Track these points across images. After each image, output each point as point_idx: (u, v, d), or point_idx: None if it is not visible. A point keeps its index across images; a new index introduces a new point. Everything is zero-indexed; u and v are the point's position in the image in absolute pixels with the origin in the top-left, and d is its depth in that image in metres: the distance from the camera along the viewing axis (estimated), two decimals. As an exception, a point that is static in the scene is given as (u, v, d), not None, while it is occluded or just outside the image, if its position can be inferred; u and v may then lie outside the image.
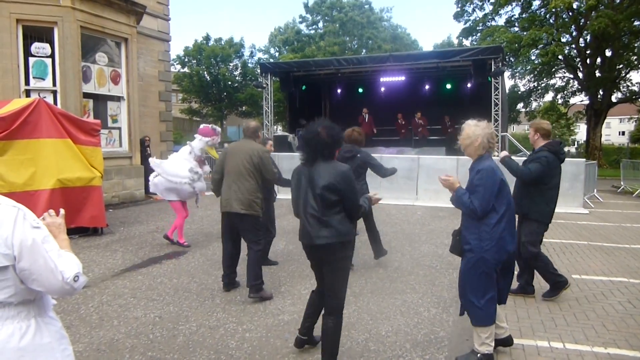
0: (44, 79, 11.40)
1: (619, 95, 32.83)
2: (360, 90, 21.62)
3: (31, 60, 11.25)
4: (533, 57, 30.25)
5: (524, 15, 31.43)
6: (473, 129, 3.78)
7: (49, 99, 10.77)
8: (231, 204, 5.39)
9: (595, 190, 15.38)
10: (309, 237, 3.63)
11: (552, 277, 5.39)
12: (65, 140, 8.32)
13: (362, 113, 19.28)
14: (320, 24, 45.58)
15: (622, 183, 18.21)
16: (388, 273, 6.53)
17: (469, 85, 18.61)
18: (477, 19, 34.14)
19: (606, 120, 34.69)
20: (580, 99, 34.65)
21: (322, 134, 3.56)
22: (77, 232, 8.55)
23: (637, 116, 45.96)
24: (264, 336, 4.43)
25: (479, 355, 3.79)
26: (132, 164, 13.35)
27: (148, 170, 14.01)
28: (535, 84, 35.14)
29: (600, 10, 25.09)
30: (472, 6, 34.16)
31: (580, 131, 46.16)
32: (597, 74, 29.92)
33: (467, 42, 35.15)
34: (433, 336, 4.46)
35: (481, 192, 3.61)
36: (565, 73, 33.98)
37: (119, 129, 13.25)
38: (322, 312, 3.77)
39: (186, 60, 42.45)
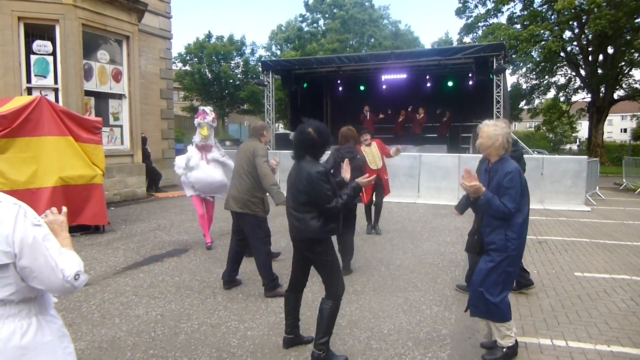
0: (45, 77, 11.39)
1: (621, 92, 32.77)
2: (362, 88, 21.57)
3: (33, 58, 11.24)
4: (534, 54, 30.20)
5: (525, 13, 31.36)
6: (492, 129, 3.78)
7: (51, 97, 10.78)
8: (229, 203, 5.51)
9: (597, 188, 15.35)
10: (291, 232, 3.88)
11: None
12: (67, 138, 8.32)
13: (363, 111, 19.27)
14: (321, 22, 45.48)
15: (624, 180, 18.18)
16: (390, 271, 6.52)
17: (470, 82, 18.56)
18: (479, 15, 34.06)
19: (608, 118, 34.62)
20: (582, 97, 34.59)
21: (312, 134, 3.77)
22: (78, 230, 8.55)
23: (639, 113, 45.91)
24: (265, 334, 4.42)
25: (504, 349, 3.85)
26: (133, 162, 13.34)
27: (149, 168, 14.11)
28: (537, 81, 35.09)
29: (602, 8, 24.99)
30: (474, 2, 34.09)
31: (582, 128, 46.06)
32: (599, 71, 29.85)
33: (467, 39, 35.10)
34: (435, 334, 4.45)
35: (513, 194, 3.61)
36: (567, 70, 33.91)
37: (121, 126, 13.24)
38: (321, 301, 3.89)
39: (187, 58, 42.45)
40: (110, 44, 12.97)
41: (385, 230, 9.24)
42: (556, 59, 30.97)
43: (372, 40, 43.37)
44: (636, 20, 26.49)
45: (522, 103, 36.73)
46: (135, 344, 4.22)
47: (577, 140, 54.09)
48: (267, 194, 5.55)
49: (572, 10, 27.19)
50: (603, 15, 24.17)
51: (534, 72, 33.76)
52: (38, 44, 11.27)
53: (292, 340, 4.12)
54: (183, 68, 42.61)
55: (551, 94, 36.32)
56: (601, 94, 30.35)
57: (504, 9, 32.20)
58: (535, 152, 20.05)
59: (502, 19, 33.02)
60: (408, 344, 4.25)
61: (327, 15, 45.16)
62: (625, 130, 66.14)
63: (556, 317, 4.86)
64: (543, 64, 31.34)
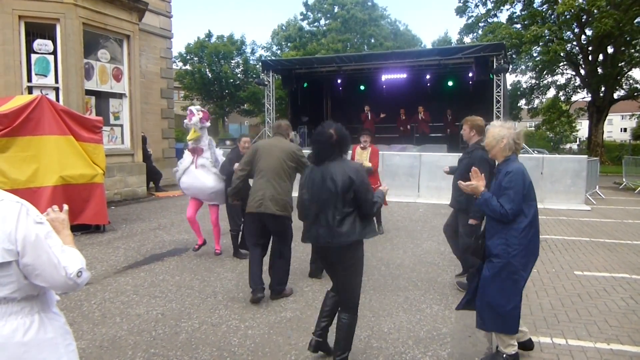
0: (46, 76, 11.40)
1: (621, 92, 32.76)
2: (362, 87, 21.59)
3: (33, 57, 11.25)
4: (535, 55, 30.21)
5: (525, 12, 31.35)
6: (498, 129, 3.70)
7: (51, 96, 10.79)
8: (266, 205, 5.08)
9: (597, 187, 15.35)
10: (323, 238, 3.62)
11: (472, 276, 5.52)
12: (68, 137, 8.33)
13: (364, 110, 19.29)
14: (322, 21, 45.47)
15: (624, 179, 18.18)
16: (390, 270, 6.53)
17: (470, 82, 18.57)
18: (479, 15, 34.07)
19: (608, 117, 34.62)
20: (582, 96, 34.60)
21: (334, 136, 3.62)
22: (79, 229, 8.56)
23: (639, 113, 45.87)
24: (266, 333, 4.43)
25: (504, 356, 3.71)
26: (134, 161, 13.35)
27: (149, 168, 14.11)
28: (537, 80, 35.09)
29: (603, 9, 24.98)
30: (474, 1, 34.09)
31: (582, 128, 46.07)
32: (599, 71, 29.85)
33: (467, 39, 35.10)
34: (435, 333, 4.46)
35: (511, 195, 3.49)
36: (567, 70, 33.91)
37: (121, 126, 13.25)
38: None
39: (188, 57, 42.46)
40: (111, 43, 12.97)
41: (385, 230, 9.24)
42: (556, 59, 30.96)
43: (373, 39, 43.35)
44: (636, 21, 26.48)
45: (522, 102, 36.73)
46: (136, 343, 4.23)
47: (577, 139, 54.10)
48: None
49: (572, 11, 27.19)
50: (609, 15, 24.13)
51: (534, 72, 33.73)
52: (39, 43, 11.27)
53: (320, 344, 3.83)
54: (183, 67, 42.62)
55: (551, 93, 36.33)
56: (601, 94, 30.35)
57: (504, 8, 32.19)
58: (535, 152, 20.03)
59: (502, 18, 33.06)
60: (408, 342, 4.26)
61: (328, 15, 45.15)
62: (625, 130, 66.17)
63: (556, 315, 4.87)
64: (542, 65, 31.31)
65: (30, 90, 11.17)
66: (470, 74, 17.56)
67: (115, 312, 4.93)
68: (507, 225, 3.53)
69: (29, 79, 11.24)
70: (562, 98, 35.52)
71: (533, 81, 35.32)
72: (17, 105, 7.83)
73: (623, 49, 28.86)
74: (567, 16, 27.95)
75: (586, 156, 14.15)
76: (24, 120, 7.79)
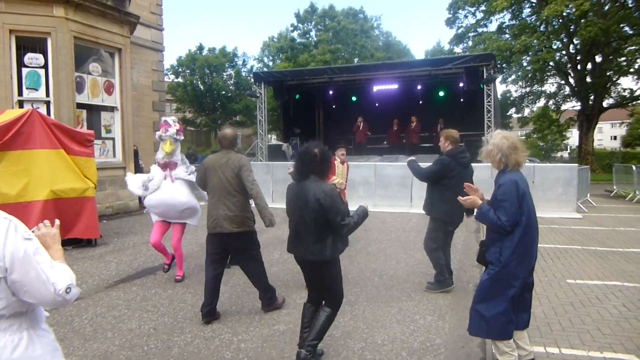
0: (37, 90, 11.37)
1: (610, 100, 33.13)
2: (354, 98, 21.70)
3: (24, 70, 11.22)
4: (525, 64, 30.53)
5: (514, 22, 31.72)
6: (494, 139, 3.72)
7: (42, 110, 10.76)
8: (222, 225, 4.95)
9: (588, 195, 15.45)
10: (299, 252, 3.93)
11: (439, 275, 6.00)
12: (59, 151, 8.29)
13: (356, 121, 19.37)
14: (313, 33, 45.73)
15: (614, 187, 18.32)
16: (383, 281, 6.52)
17: (461, 92, 18.69)
18: (469, 25, 34.42)
19: (598, 125, 34.95)
20: (572, 105, 34.96)
21: (318, 156, 3.81)
22: (70, 243, 8.50)
23: (628, 121, 46.38)
24: (259, 346, 4.40)
25: None
26: (126, 175, 13.28)
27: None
28: (527, 90, 35.42)
29: (589, 18, 25.34)
30: (464, 12, 34.46)
31: (573, 136, 46.46)
32: (588, 80, 30.18)
33: (458, 49, 35.44)
34: (429, 344, 4.45)
35: (507, 206, 3.49)
36: (556, 79, 34.27)
37: (113, 139, 13.21)
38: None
39: (180, 70, 42.53)
40: (102, 57, 12.97)
41: (378, 240, 9.24)
42: (546, 68, 31.30)
43: (364, 50, 43.61)
44: (624, 29, 26.86)
45: (512, 111, 37.03)
46: (128, 358, 4.19)
47: (568, 148, 54.56)
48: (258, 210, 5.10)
49: (560, 20, 27.54)
50: (594, 23, 24.48)
51: (524, 81, 34.06)
52: (30, 57, 11.25)
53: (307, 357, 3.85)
54: (175, 80, 42.66)
55: (541, 102, 36.67)
56: (590, 102, 30.66)
57: (494, 18, 32.56)
58: (527, 161, 20.18)
59: (492, 28, 33.40)
60: (402, 354, 4.24)
61: (319, 27, 45.41)
62: (615, 138, 66.81)
63: (549, 324, 4.88)
64: (531, 74, 31.65)
65: (21, 104, 11.12)
66: (461, 84, 17.69)
67: (107, 327, 4.89)
68: (503, 235, 3.53)
69: (20, 93, 11.20)
70: (552, 107, 35.86)
71: (523, 90, 35.66)
72: (8, 120, 7.79)
73: (611, 57, 29.23)
74: (555, 26, 28.33)
75: (577, 164, 14.27)
76: (15, 134, 7.75)
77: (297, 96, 21.30)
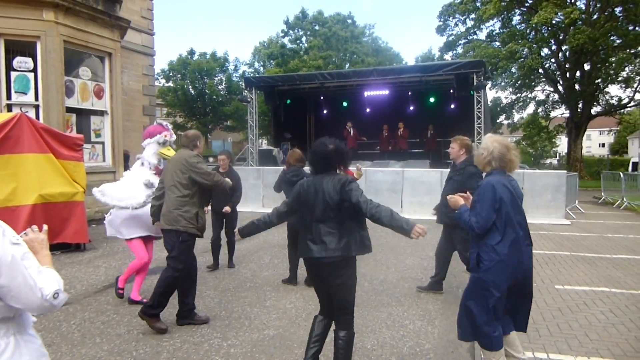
0: (26, 94, 11.29)
1: (598, 108, 33.50)
2: (345, 104, 21.77)
3: (13, 74, 11.13)
4: (513, 70, 30.81)
5: (504, 30, 32.02)
6: (485, 141, 3.70)
7: (31, 114, 10.66)
8: (162, 221, 4.89)
9: (576, 202, 15.58)
10: (314, 253, 3.54)
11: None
12: (48, 155, 8.23)
13: (346, 127, 19.42)
14: (304, 39, 45.83)
15: (603, 194, 18.49)
16: (373, 286, 6.53)
17: (451, 98, 18.83)
18: (459, 33, 34.70)
19: (586, 133, 35.33)
20: (561, 112, 35.30)
21: (335, 149, 3.69)
22: (59, 248, 8.43)
23: (616, 128, 46.92)
24: (249, 351, 4.39)
25: None
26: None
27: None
28: (516, 96, 35.74)
29: (578, 26, 25.65)
30: (454, 20, 34.74)
31: (562, 143, 46.91)
32: (577, 87, 30.51)
33: (448, 57, 35.70)
34: (419, 349, 4.46)
35: (477, 208, 3.46)
36: (545, 86, 34.62)
37: (102, 143, 13.14)
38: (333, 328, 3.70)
39: (171, 74, 42.44)
40: (92, 61, 12.91)
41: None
42: (534, 76, 31.61)
43: (355, 56, 43.80)
44: (611, 38, 27.20)
45: (502, 117, 37.33)
46: (116, 363, 4.16)
47: (557, 154, 55.10)
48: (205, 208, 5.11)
49: (550, 28, 27.84)
50: (582, 31, 24.79)
51: (513, 88, 34.37)
52: (19, 61, 11.17)
53: None
54: (166, 84, 42.55)
55: (530, 108, 37.02)
56: (579, 110, 30.98)
57: (484, 26, 32.86)
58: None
59: (482, 36, 33.69)
60: (391, 359, 4.25)
61: (309, 32, 45.53)
62: (603, 145, 67.57)
63: (537, 329, 4.91)
64: (521, 80, 31.96)
65: (9, 108, 11.03)
66: (451, 91, 17.81)
67: (95, 332, 4.85)
68: (480, 240, 3.49)
69: (9, 97, 11.11)
70: (542, 114, 36.20)
71: (513, 97, 35.98)
72: (-4, 123, 7.72)
73: (599, 65, 29.58)
74: (545, 34, 28.63)
75: (566, 171, 14.39)
76: (3, 138, 7.68)
77: (288, 101, 21.35)
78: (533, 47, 28.29)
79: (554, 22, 26.35)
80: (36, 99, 11.30)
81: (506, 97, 36.67)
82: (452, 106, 19.09)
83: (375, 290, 6.32)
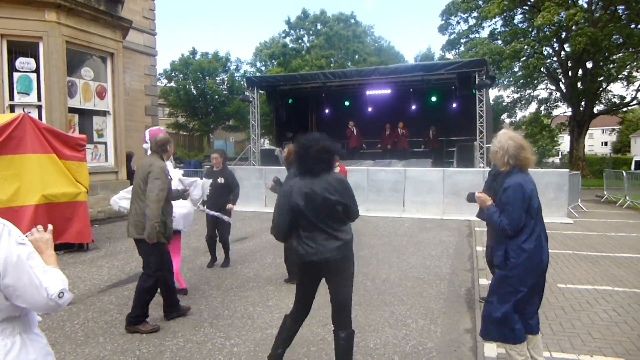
0: (28, 94, 11.32)
1: (601, 106, 33.41)
2: (347, 103, 21.76)
3: (15, 75, 11.17)
4: (516, 69, 30.77)
5: (506, 29, 31.96)
6: (499, 139, 3.64)
7: (34, 114, 10.70)
8: (129, 230, 4.95)
9: (579, 200, 15.56)
10: (319, 253, 3.47)
11: None
12: (50, 155, 8.25)
13: (348, 126, 19.42)
14: (305, 38, 45.80)
15: (605, 193, 18.46)
16: (376, 285, 6.54)
17: (453, 97, 18.81)
18: (461, 31, 34.65)
19: (589, 131, 35.22)
20: (563, 110, 35.23)
21: (321, 146, 3.50)
22: (62, 248, 8.45)
23: (618, 127, 46.84)
24: (252, 350, 4.40)
25: None
26: (118, 179, 13.25)
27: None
28: (519, 95, 35.69)
29: (581, 25, 25.58)
30: (456, 19, 34.70)
31: (564, 142, 46.85)
32: (579, 86, 30.44)
33: (450, 55, 35.64)
34: (421, 347, 4.47)
35: (510, 210, 3.44)
36: (547, 84, 34.55)
37: (105, 143, 13.17)
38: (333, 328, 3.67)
39: (173, 74, 42.46)
40: (95, 61, 12.94)
41: (371, 245, 9.26)
42: (537, 74, 31.54)
43: (357, 56, 43.76)
44: (613, 38, 27.13)
45: (504, 116, 37.27)
46: (119, 362, 4.17)
47: (559, 153, 55.05)
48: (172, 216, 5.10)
49: (552, 27, 27.78)
50: (584, 32, 24.75)
51: (515, 86, 34.32)
52: (21, 61, 11.21)
53: None
54: (168, 85, 42.57)
55: (533, 107, 36.95)
56: (581, 108, 30.91)
57: (486, 24, 32.80)
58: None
59: (484, 34, 33.64)
60: (394, 358, 4.26)
61: (310, 32, 45.50)
62: (606, 144, 67.43)
63: (540, 328, 4.90)
64: (523, 79, 31.92)
65: (12, 108, 11.07)
66: (453, 89, 17.77)
67: (99, 332, 4.87)
68: (508, 238, 3.50)
69: (11, 98, 11.15)
70: (544, 112, 36.13)
71: (515, 95, 35.91)
72: (-1, 124, 7.75)
73: (602, 64, 29.51)
74: (547, 32, 28.57)
75: (568, 170, 14.36)
76: (6, 138, 7.70)
77: (290, 101, 21.34)
78: (536, 47, 28.23)
79: (555, 20, 26.27)
80: (39, 99, 11.34)
81: (508, 96, 36.61)
82: (454, 105, 19.07)
83: (377, 290, 6.33)
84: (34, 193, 7.87)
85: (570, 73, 30.77)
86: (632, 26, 26.83)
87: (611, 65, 29.48)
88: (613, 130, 55.14)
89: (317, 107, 22.97)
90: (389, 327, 4.97)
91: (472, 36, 33.78)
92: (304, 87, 20.16)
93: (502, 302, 3.50)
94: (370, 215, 12.94)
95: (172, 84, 42.58)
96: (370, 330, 4.89)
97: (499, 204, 3.57)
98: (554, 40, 29.63)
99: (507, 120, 37.89)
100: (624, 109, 35.30)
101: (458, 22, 35.01)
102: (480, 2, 31.43)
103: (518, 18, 32.21)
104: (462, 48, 33.90)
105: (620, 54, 28.09)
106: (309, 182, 3.50)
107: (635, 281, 6.72)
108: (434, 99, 20.05)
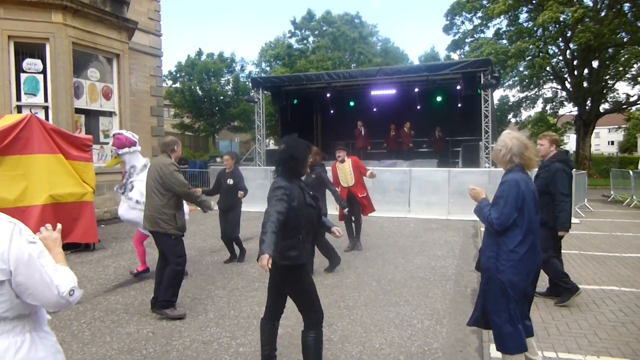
0: (35, 95, 11.40)
1: (607, 105, 33.26)
2: (352, 103, 21.76)
3: (23, 76, 11.25)
4: (521, 69, 30.66)
5: (511, 28, 31.88)
6: (503, 138, 3.61)
7: (41, 115, 10.76)
8: (144, 223, 5.48)
9: (585, 200, 15.51)
10: (306, 256, 3.54)
11: (560, 285, 5.60)
12: (57, 155, 8.30)
13: (357, 126, 19.43)
14: (311, 39, 45.80)
15: (612, 192, 18.39)
16: (381, 285, 6.54)
17: (458, 97, 18.76)
18: (466, 31, 34.58)
19: (595, 130, 35.07)
20: (569, 110, 35.07)
21: (283, 150, 3.67)
22: (68, 248, 8.49)
23: (625, 126, 46.57)
24: (258, 350, 4.40)
25: None
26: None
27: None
28: (524, 94, 35.56)
29: (585, 23, 25.50)
30: (461, 19, 34.63)
31: (570, 141, 46.64)
32: (585, 85, 30.32)
33: (455, 56, 35.58)
34: (427, 348, 4.47)
35: (501, 204, 3.38)
36: (553, 84, 34.41)
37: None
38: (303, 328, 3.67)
39: (178, 75, 42.59)
40: (101, 62, 13.01)
41: (376, 245, 9.26)
42: (542, 74, 31.42)
43: (362, 57, 43.69)
44: (619, 35, 27.01)
45: (510, 116, 37.15)
46: (126, 362, 4.19)
47: (566, 153, 54.73)
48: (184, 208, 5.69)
49: (557, 26, 27.68)
50: (588, 28, 24.66)
51: (521, 86, 34.20)
52: (28, 63, 11.29)
53: None
54: (173, 86, 42.71)
55: (539, 107, 36.80)
56: (587, 107, 30.78)
57: (491, 24, 32.74)
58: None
59: (489, 34, 33.56)
60: (400, 358, 4.26)
61: (316, 32, 45.49)
62: (612, 143, 67.04)
63: (546, 328, 4.90)
64: (528, 79, 31.80)
65: (19, 109, 11.15)
66: (458, 89, 17.74)
67: (105, 331, 4.89)
68: (499, 239, 3.42)
69: (18, 98, 11.23)
70: (549, 112, 35.99)
71: (520, 95, 35.80)
72: (7, 125, 7.79)
73: (607, 63, 29.38)
74: (552, 32, 28.48)
75: (574, 169, 14.30)
76: (13, 139, 7.76)
77: (295, 101, 21.36)
78: (541, 46, 28.13)
79: (561, 19, 26.19)
80: (45, 100, 11.42)
81: (514, 96, 36.49)
82: (459, 105, 19.02)
83: (383, 290, 6.33)
84: (41, 193, 7.92)
85: (575, 72, 30.65)
86: (639, 24, 26.68)
87: (617, 64, 29.33)
88: (619, 129, 54.81)
89: (322, 108, 22.98)
90: (394, 328, 4.97)
91: (477, 36, 33.73)
92: (309, 88, 20.17)
93: (499, 309, 3.44)
94: (375, 216, 12.91)
95: (178, 85, 42.71)
96: (376, 330, 4.90)
97: (493, 199, 3.51)
98: (560, 39, 29.53)
99: (512, 120, 37.77)
100: (631, 108, 35.09)
101: (463, 22, 34.98)
102: (484, 2, 31.35)
103: (523, 17, 32.12)
104: (467, 48, 33.83)
105: (626, 53, 27.91)
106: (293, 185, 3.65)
107: (642, 281, 6.69)
108: (439, 99, 20.01)
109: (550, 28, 28.42)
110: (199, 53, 43.24)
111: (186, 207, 6.82)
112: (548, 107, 35.88)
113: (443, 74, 16.97)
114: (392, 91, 19.94)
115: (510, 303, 3.40)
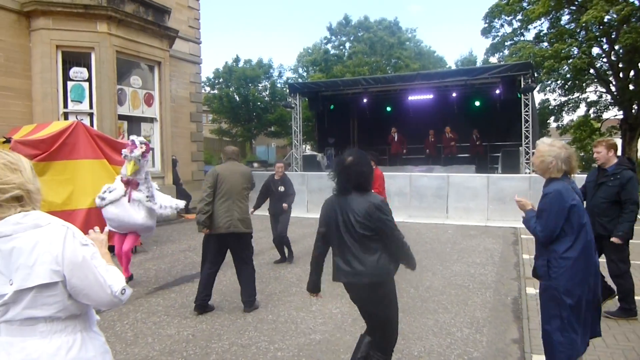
0: (81, 102, 11.80)
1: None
2: (389, 109, 21.62)
3: (69, 84, 11.68)
4: (563, 71, 29.84)
5: (552, 31, 31.11)
6: (545, 147, 3.49)
7: (86, 122, 11.13)
8: (236, 225, 5.61)
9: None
10: (343, 275, 3.37)
11: (625, 304, 5.33)
12: (102, 160, 8.58)
13: (391, 132, 19.31)
14: (347, 45, 45.82)
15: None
16: (419, 293, 6.47)
17: (497, 102, 18.41)
18: (505, 34, 33.92)
19: (642, 135, 33.77)
20: (614, 114, 33.90)
21: (355, 163, 3.34)
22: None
23: (674, 130, 44.68)
24: (295, 355, 4.43)
25: None
26: (164, 184, 13.59)
27: (179, 191, 14.36)
28: (566, 98, 34.58)
29: (631, 23, 24.65)
30: (500, 22, 34.00)
31: (615, 146, 45.04)
32: (631, 87, 29.29)
33: (494, 59, 34.92)
34: (467, 357, 4.39)
35: (544, 217, 3.34)
36: (597, 87, 33.35)
37: (152, 149, 13.55)
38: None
39: (216, 82, 43.30)
40: (143, 70, 13.38)
41: (414, 252, 9.09)
42: (585, 76, 30.50)
43: (400, 62, 43.41)
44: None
45: (551, 119, 36.19)
46: (167, 363, 4.28)
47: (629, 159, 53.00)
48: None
49: (601, 27, 26.86)
50: (634, 29, 23.84)
51: (562, 89, 33.29)
52: (74, 71, 11.71)
53: None
54: (211, 92, 43.44)
55: (581, 110, 35.70)
56: (633, 111, 29.72)
57: (531, 27, 32.01)
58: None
59: (529, 37, 32.82)
60: (439, 366, 4.20)
61: (352, 38, 45.49)
62: (660, 148, 64.41)
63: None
64: (570, 82, 30.92)
65: (66, 116, 11.56)
66: (498, 94, 17.42)
67: (147, 333, 5.01)
68: (549, 247, 3.38)
69: (65, 106, 11.65)
70: (593, 115, 34.89)
71: (562, 99, 34.82)
72: (55, 131, 8.13)
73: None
74: (596, 33, 27.64)
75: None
76: (61, 145, 8.08)
77: (332, 107, 21.38)
78: (582, 46, 27.33)
79: (605, 20, 25.38)
80: (90, 107, 11.81)
81: (555, 99, 35.50)
82: (498, 110, 18.66)
83: (421, 297, 6.26)
84: (86, 197, 8.18)
85: (621, 74, 29.64)
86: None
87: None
88: (668, 134, 52.70)
89: (358, 113, 22.90)
90: (433, 336, 4.91)
91: (516, 39, 33.02)
92: (346, 93, 20.19)
93: (551, 317, 3.35)
94: (412, 222, 12.82)
95: (215, 91, 43.41)
96: (414, 338, 4.84)
97: (538, 210, 3.47)
98: (604, 40, 28.64)
99: (554, 125, 36.76)
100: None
101: (502, 25, 34.29)
102: (525, 4, 30.69)
103: (565, 19, 31.30)
104: (505, 52, 33.19)
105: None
106: (337, 201, 3.48)
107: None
108: (477, 103, 19.68)
109: (593, 29, 27.58)
110: (236, 60, 43.85)
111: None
112: (592, 110, 34.78)
113: (482, 78, 16.71)
114: (430, 96, 19.74)
115: (564, 311, 3.29)
